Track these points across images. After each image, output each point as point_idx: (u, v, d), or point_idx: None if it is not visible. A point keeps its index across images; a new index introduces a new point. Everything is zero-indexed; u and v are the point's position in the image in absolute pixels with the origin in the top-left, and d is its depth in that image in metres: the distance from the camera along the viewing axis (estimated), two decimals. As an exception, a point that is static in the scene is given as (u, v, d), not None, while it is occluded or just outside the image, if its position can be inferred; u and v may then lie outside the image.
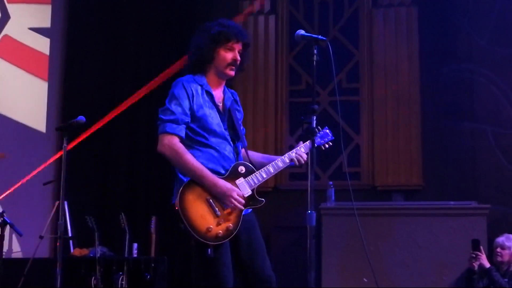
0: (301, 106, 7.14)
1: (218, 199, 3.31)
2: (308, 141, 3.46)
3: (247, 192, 3.39)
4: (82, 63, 7.23)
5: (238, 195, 3.32)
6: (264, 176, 3.45)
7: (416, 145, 6.91)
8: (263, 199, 3.44)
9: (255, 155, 3.64)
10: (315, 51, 3.19)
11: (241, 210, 3.35)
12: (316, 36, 3.24)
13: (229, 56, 3.45)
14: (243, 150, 3.60)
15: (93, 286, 5.67)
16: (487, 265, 5.44)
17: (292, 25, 7.30)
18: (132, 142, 7.34)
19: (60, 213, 4.40)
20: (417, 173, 6.88)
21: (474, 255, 5.46)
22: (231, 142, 3.49)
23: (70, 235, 6.11)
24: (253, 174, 3.43)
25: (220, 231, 3.27)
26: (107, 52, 7.39)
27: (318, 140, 3.64)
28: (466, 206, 6.07)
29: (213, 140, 3.42)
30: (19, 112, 7.03)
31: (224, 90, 3.58)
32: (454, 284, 5.78)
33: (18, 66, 7.05)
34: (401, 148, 6.92)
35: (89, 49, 7.28)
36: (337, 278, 5.96)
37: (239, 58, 3.48)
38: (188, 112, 3.39)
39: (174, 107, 3.38)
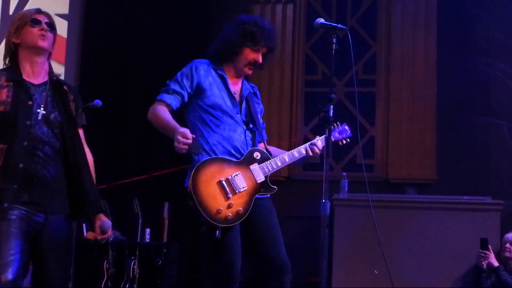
0: (317, 96, 7.13)
1: (230, 181, 3.33)
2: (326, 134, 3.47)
3: (260, 178, 3.42)
4: (99, 46, 7.23)
5: (182, 136, 3.21)
6: (279, 164, 3.48)
7: (430, 138, 6.88)
8: (275, 187, 3.48)
9: (273, 149, 3.66)
10: (334, 40, 3.19)
11: (253, 194, 3.37)
12: (335, 24, 3.24)
13: (252, 56, 3.52)
14: (262, 144, 3.62)
15: (105, 270, 5.71)
16: (496, 264, 5.43)
17: (309, 14, 7.26)
18: (145, 127, 7.33)
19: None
20: (431, 166, 6.85)
21: (483, 254, 5.45)
22: (243, 125, 3.52)
23: (83, 218, 6.14)
24: (268, 161, 3.46)
25: (230, 214, 3.30)
26: (124, 35, 7.40)
27: (336, 135, 3.69)
28: (479, 201, 6.02)
29: (224, 120, 3.47)
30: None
31: (242, 82, 3.63)
32: (464, 280, 5.77)
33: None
34: (416, 141, 6.89)
35: (106, 33, 7.28)
36: (348, 269, 5.96)
37: (261, 61, 3.55)
38: (184, 86, 3.48)
39: (172, 81, 3.51)
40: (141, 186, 7.11)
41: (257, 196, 3.42)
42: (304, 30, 7.30)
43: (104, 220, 3.21)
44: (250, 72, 3.57)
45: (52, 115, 3.05)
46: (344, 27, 3.24)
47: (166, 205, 6.11)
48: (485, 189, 6.46)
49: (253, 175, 3.39)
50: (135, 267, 5.77)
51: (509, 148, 6.79)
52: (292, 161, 3.53)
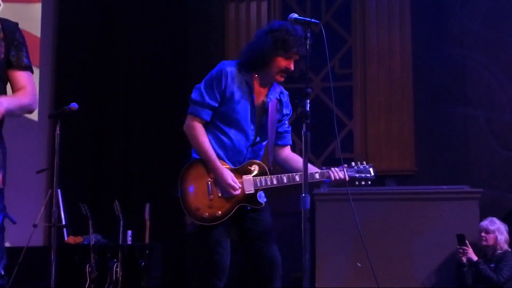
0: (295, 92, 7.11)
1: (217, 184, 3.35)
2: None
3: (249, 190, 3.40)
4: (75, 47, 7.17)
5: (233, 180, 3.34)
6: (275, 182, 3.46)
7: (409, 130, 6.93)
8: (262, 203, 3.45)
9: (291, 159, 3.65)
10: (308, 35, 3.19)
11: (237, 202, 3.38)
12: (309, 19, 3.23)
13: (284, 64, 3.49)
14: (287, 149, 3.63)
15: (87, 274, 5.68)
16: (475, 258, 5.51)
17: (284, 10, 7.27)
18: (126, 130, 7.30)
19: (53, 201, 4.41)
20: (410, 158, 6.90)
21: (461, 250, 5.50)
22: (251, 137, 3.48)
23: (64, 223, 6.10)
24: (264, 176, 3.44)
25: (207, 214, 3.33)
26: (100, 36, 7.34)
27: (353, 173, 3.57)
28: (458, 190, 6.10)
29: (232, 129, 3.44)
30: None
31: (271, 88, 3.57)
32: (445, 269, 5.82)
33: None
34: (394, 134, 6.93)
35: (81, 33, 7.21)
36: (331, 263, 5.98)
37: (293, 68, 3.52)
38: (217, 96, 3.42)
39: (205, 89, 3.43)
40: (122, 188, 7.08)
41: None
42: (279, 26, 7.28)
43: None
44: (282, 79, 3.53)
45: None
46: (317, 21, 3.23)
47: (147, 206, 6.08)
48: (464, 179, 6.52)
49: (243, 184, 3.39)
50: (118, 269, 5.75)
51: (487, 138, 6.85)
52: (291, 184, 3.47)
